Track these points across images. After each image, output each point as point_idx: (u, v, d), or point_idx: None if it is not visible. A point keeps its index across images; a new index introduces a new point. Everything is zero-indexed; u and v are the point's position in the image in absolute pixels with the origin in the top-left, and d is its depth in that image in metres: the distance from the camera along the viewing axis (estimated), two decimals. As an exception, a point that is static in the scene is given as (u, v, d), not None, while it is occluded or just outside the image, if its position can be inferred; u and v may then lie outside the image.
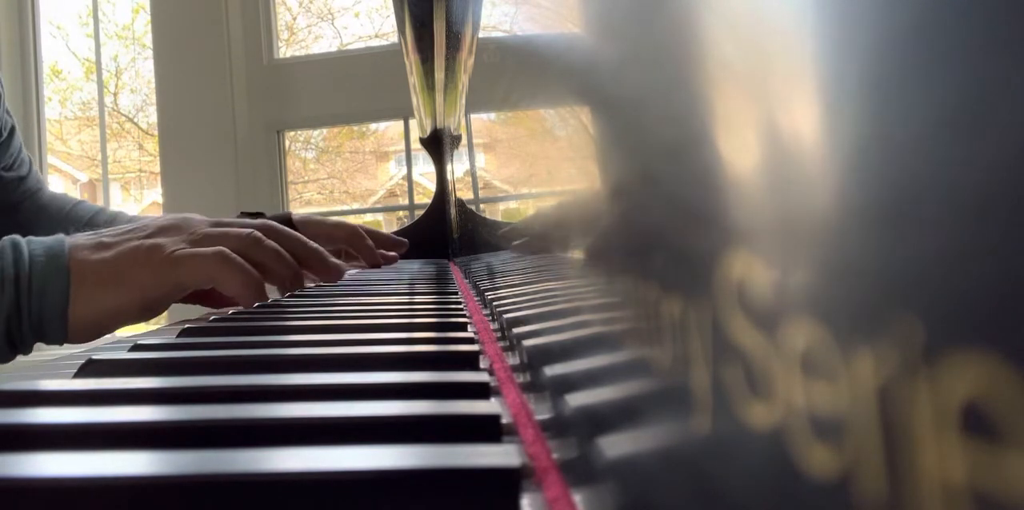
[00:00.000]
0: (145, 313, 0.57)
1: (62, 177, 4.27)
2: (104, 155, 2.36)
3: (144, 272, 0.56)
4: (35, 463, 0.17)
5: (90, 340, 0.59)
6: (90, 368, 0.29)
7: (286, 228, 0.64)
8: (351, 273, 0.90)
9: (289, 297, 0.61)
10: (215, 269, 0.56)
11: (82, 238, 0.59)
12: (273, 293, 0.62)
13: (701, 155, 0.10)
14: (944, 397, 0.06)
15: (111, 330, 0.58)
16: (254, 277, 0.56)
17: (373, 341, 0.34)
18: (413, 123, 1.87)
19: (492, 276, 0.48)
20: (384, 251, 0.95)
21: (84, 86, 3.88)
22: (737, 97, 0.09)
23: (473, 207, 0.75)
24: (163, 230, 0.60)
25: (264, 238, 0.60)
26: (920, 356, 0.06)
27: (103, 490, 0.16)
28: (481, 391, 0.25)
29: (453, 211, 1.06)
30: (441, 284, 0.69)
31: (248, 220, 0.64)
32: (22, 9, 2.15)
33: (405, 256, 1.23)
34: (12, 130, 0.97)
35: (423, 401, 0.23)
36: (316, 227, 0.90)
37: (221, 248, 0.57)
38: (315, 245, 0.65)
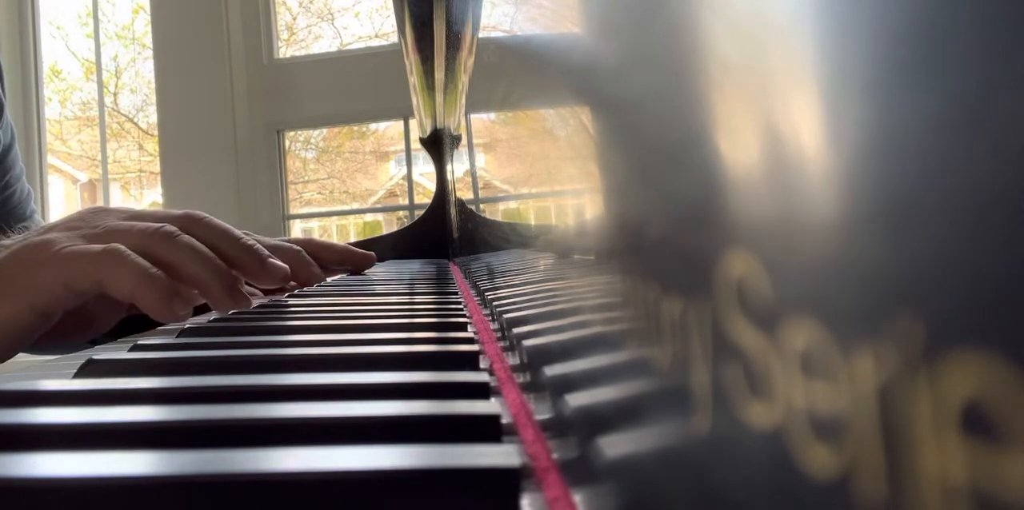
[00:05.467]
0: (41, 321, 0.48)
1: (62, 177, 4.27)
2: (104, 155, 2.36)
3: (26, 274, 0.46)
4: (35, 463, 0.17)
5: None
6: (90, 368, 0.29)
7: (214, 220, 0.53)
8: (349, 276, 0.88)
9: (288, 297, 0.60)
10: (102, 268, 0.45)
11: None
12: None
13: (701, 155, 0.10)
14: (944, 397, 0.06)
15: (15, 347, 0.49)
16: (151, 276, 0.45)
17: (373, 341, 0.34)
18: (413, 123, 1.88)
19: (492, 276, 0.48)
20: (345, 267, 0.83)
21: (84, 86, 3.88)
22: (737, 97, 0.09)
23: (473, 207, 0.75)
24: (64, 224, 0.50)
25: (176, 232, 0.49)
26: (920, 356, 0.06)
27: (103, 490, 0.16)
28: (481, 391, 0.25)
29: (453, 211, 1.06)
30: (441, 284, 0.69)
31: (169, 212, 0.54)
32: (22, 9, 2.15)
33: (405, 256, 1.23)
34: (10, 145, 0.85)
35: (423, 401, 0.23)
36: None
37: (114, 244, 0.46)
38: (250, 241, 0.54)
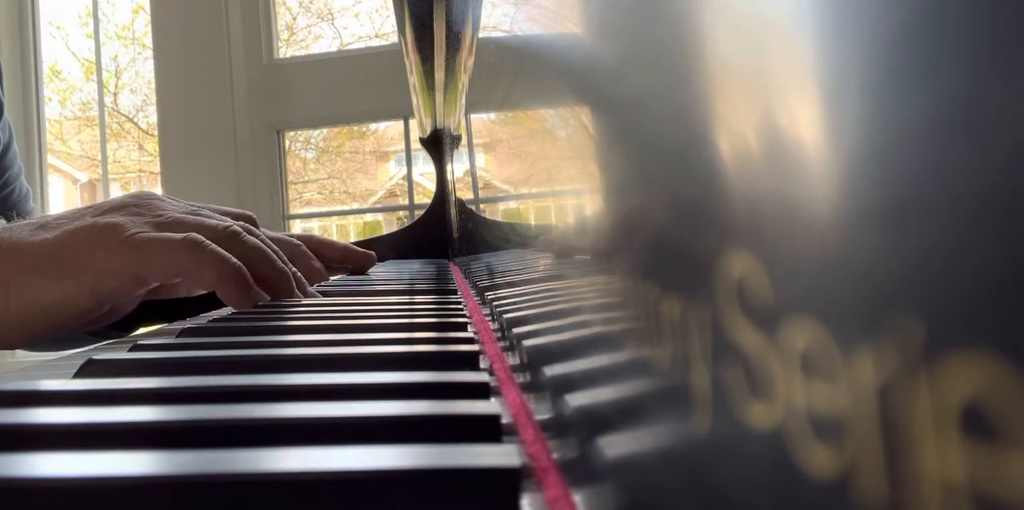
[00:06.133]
0: (97, 307, 0.47)
1: (62, 177, 4.27)
2: (104, 155, 2.36)
3: (96, 256, 0.45)
4: (35, 463, 0.17)
5: (31, 342, 0.48)
6: (90, 368, 0.29)
7: (267, 231, 0.55)
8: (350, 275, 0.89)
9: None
10: (184, 258, 0.45)
11: (24, 222, 0.48)
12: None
13: (701, 155, 0.10)
14: (944, 397, 0.06)
15: (58, 329, 0.47)
16: (234, 267, 0.46)
17: (373, 341, 0.34)
18: (413, 123, 1.87)
19: (492, 276, 0.48)
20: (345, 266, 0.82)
21: (84, 86, 3.88)
22: (737, 97, 0.09)
23: (473, 207, 0.75)
24: (123, 207, 0.49)
25: (243, 233, 0.50)
26: (920, 356, 0.06)
27: (103, 490, 0.16)
28: (481, 391, 0.24)
29: (453, 211, 1.06)
30: (441, 284, 0.69)
31: (230, 209, 0.55)
32: (22, 9, 2.15)
33: (405, 256, 1.23)
34: (9, 144, 0.84)
35: (423, 401, 0.23)
36: None
37: (193, 234, 0.46)
38: (311, 259, 0.56)
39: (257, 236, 0.53)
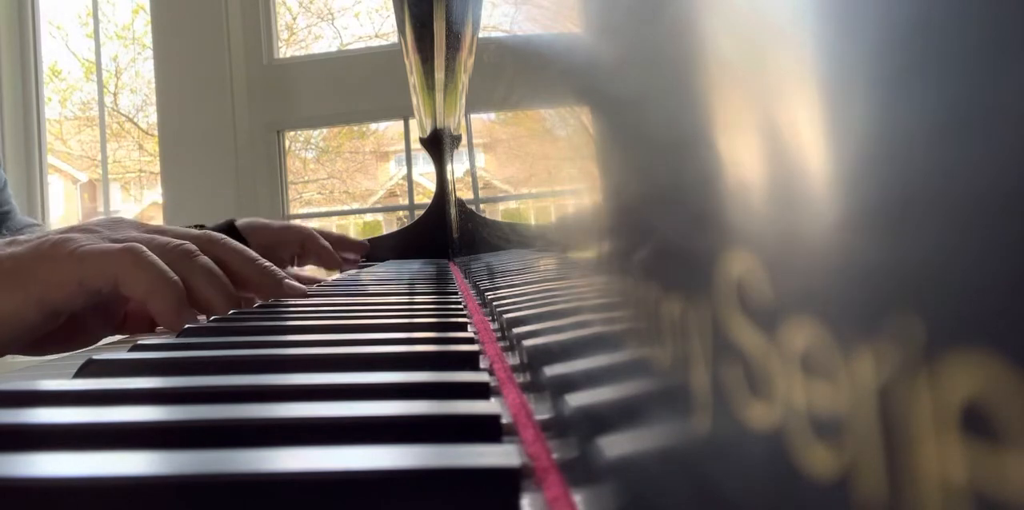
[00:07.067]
0: (45, 319, 0.48)
1: (62, 177, 4.27)
2: (104, 155, 2.36)
3: (43, 268, 0.47)
4: (35, 463, 0.17)
5: None
6: (90, 368, 0.29)
7: (232, 241, 0.55)
8: (350, 273, 0.89)
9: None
10: (120, 266, 0.46)
11: (2, 240, 0.50)
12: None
13: (701, 155, 0.10)
14: (944, 397, 0.06)
15: (16, 341, 0.49)
16: (167, 280, 0.46)
17: (373, 341, 0.34)
18: (413, 123, 1.87)
19: (492, 276, 0.48)
20: (345, 254, 0.90)
21: (84, 86, 3.88)
22: (737, 97, 0.09)
23: (473, 207, 0.75)
24: (82, 228, 0.51)
25: (196, 252, 0.50)
26: (920, 356, 0.06)
27: (103, 490, 0.16)
28: (481, 391, 0.25)
29: (453, 211, 1.06)
30: (441, 284, 0.69)
31: (189, 230, 0.55)
32: (22, 9, 2.15)
33: (405, 256, 1.23)
34: None
35: (423, 401, 0.23)
36: (264, 232, 0.81)
37: (133, 244, 0.47)
38: (266, 263, 0.55)
39: (224, 247, 0.52)
